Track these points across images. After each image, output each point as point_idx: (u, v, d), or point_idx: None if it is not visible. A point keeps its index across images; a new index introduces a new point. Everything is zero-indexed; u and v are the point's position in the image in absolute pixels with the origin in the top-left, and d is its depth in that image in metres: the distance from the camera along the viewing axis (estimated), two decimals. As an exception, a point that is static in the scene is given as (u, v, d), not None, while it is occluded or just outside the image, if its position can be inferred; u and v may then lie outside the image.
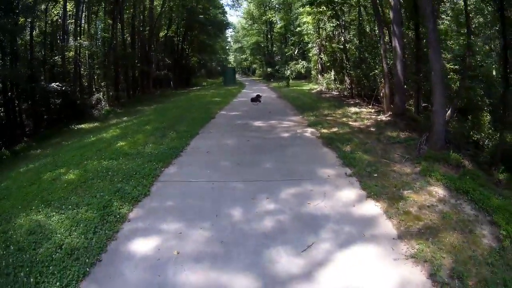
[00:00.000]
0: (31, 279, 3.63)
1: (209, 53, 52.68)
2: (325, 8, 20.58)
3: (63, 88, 20.21)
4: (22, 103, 20.08)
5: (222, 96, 23.67)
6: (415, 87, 13.90)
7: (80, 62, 23.87)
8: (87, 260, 3.94)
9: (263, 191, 5.77)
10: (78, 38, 23.25)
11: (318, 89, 26.00)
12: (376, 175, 6.36)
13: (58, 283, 3.58)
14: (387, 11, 14.43)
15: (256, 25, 55.03)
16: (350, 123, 11.80)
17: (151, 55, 33.32)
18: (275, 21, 46.87)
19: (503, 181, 7.57)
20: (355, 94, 20.02)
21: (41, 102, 20.71)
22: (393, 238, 4.32)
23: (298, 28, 30.81)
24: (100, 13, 27.72)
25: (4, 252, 4.14)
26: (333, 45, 22.65)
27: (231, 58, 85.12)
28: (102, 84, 26.48)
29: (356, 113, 13.99)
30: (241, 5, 53.54)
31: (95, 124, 18.58)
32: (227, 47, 73.31)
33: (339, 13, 20.73)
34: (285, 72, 37.61)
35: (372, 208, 5.12)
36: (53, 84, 19.68)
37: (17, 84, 18.21)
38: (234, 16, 73.61)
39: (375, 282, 3.57)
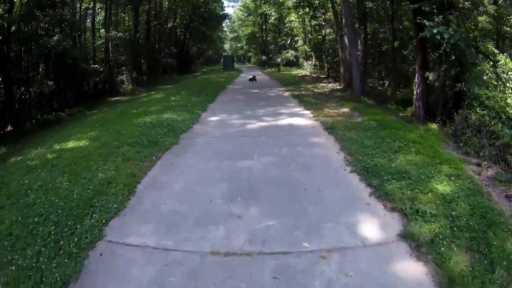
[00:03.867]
0: (168, 135, 11.14)
1: (208, 43, 60.44)
2: (307, 10, 28.58)
3: (100, 69, 27.84)
4: (67, 78, 26.06)
5: (225, 78, 31.98)
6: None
7: (109, 49, 31.47)
8: (193, 122, 11.47)
9: (259, 109, 13.59)
10: (109, 29, 31.00)
11: (303, 73, 34.10)
12: (315, 105, 14.17)
13: (183, 128, 10.91)
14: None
15: (251, 17, 62.45)
16: (315, 90, 19.91)
17: (161, 45, 40.81)
18: (269, 14, 51.81)
19: (390, 107, 14.93)
20: (330, 76, 27.87)
21: (82, 78, 27.73)
22: (310, 117, 12.04)
23: (287, 24, 38.41)
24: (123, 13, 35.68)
25: (150, 131, 11.22)
26: (314, 37, 30.70)
27: (227, 46, 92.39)
28: (123, 68, 34.00)
29: (323, 86, 22.10)
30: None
31: (128, 97, 25.67)
32: (223, 36, 79.59)
33: (317, 14, 28.61)
34: (277, 59, 45.50)
35: (306, 113, 12.81)
36: (94, 65, 27.33)
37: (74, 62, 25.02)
38: (231, 7, 79.74)
39: (299, 124, 11.08)
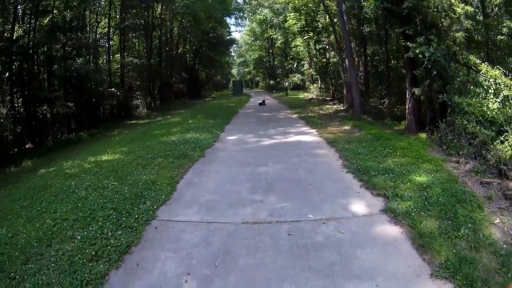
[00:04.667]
0: (194, 150, 12.83)
1: (216, 68, 62.91)
2: (311, 34, 30.64)
3: (117, 93, 29.89)
4: (86, 100, 28.13)
5: (236, 103, 33.90)
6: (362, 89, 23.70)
7: (124, 74, 33.53)
8: (214, 140, 13.19)
9: (270, 129, 15.37)
10: (123, 54, 33.25)
11: (309, 96, 36.01)
12: (320, 124, 15.93)
13: (206, 144, 12.64)
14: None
15: (258, 41, 64.88)
16: (320, 111, 21.72)
17: (172, 70, 42.95)
18: (276, 38, 54.24)
19: (387, 123, 16.50)
20: (335, 98, 29.66)
21: (99, 101, 29.91)
22: (315, 134, 13.80)
23: (293, 49, 40.41)
24: (134, 38, 37.96)
25: (177, 148, 12.79)
26: (319, 61, 32.70)
27: (234, 71, 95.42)
28: (137, 93, 36.04)
29: (328, 108, 23.90)
30: (245, 24, 63.43)
31: (145, 120, 27.51)
32: (231, 61, 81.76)
33: (321, 38, 30.63)
34: (285, 84, 47.51)
35: (311, 132, 14.55)
36: (112, 89, 29.46)
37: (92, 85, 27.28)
38: (238, 32, 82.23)
39: (306, 140, 12.85)
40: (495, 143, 8.75)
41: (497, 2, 22.91)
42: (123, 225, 5.82)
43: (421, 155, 8.81)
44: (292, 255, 4.85)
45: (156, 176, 8.21)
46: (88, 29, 30.82)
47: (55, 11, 25.07)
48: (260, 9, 48.77)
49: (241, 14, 54.11)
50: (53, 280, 4.39)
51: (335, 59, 28.73)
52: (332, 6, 22.40)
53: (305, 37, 32.08)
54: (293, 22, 31.83)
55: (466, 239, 4.99)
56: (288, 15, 33.40)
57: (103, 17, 32.26)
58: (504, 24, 23.16)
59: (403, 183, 7.03)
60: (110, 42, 33.71)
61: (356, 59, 24.16)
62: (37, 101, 24.05)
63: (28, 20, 23.69)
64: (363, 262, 4.58)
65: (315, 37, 30.96)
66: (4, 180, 13.77)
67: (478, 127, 9.28)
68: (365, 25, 21.90)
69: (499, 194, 6.77)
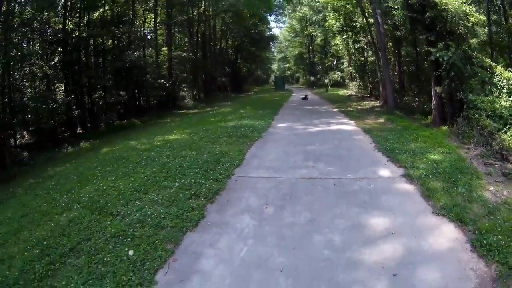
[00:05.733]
0: (253, 133, 15.15)
1: (257, 63, 65.47)
2: (350, 34, 32.61)
3: (166, 84, 32.48)
4: (136, 89, 31.50)
5: (279, 97, 36.63)
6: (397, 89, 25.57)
7: (172, 67, 36.11)
8: (267, 126, 15.44)
9: (314, 120, 17.56)
10: (170, 48, 35.99)
11: (348, 93, 37.91)
12: (358, 117, 18.00)
13: (261, 129, 14.88)
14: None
15: (298, 37, 66.50)
16: (358, 107, 23.78)
17: (216, 65, 45.56)
18: (315, 35, 54.30)
19: (416, 117, 18.43)
20: (372, 95, 31.48)
21: (149, 91, 32.89)
22: (353, 125, 15.86)
23: (333, 47, 42.21)
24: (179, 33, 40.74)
25: (237, 131, 14.94)
26: (357, 59, 34.65)
27: (274, 66, 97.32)
28: (184, 85, 38.83)
29: (365, 104, 25.91)
30: (285, 21, 65.44)
31: (194, 110, 30.04)
32: (271, 57, 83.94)
33: (359, 38, 32.52)
34: (325, 80, 49.43)
35: (350, 122, 16.58)
36: (161, 80, 32.07)
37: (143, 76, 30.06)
38: (278, 28, 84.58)
39: (345, 129, 14.90)
40: (500, 133, 10.47)
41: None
42: (210, 178, 8.07)
43: (439, 142, 10.74)
44: (337, 196, 7.10)
45: (227, 149, 10.52)
46: (136, 23, 33.89)
47: (106, 7, 27.93)
48: (299, 7, 50.32)
49: (281, 11, 55.86)
50: (159, 211, 6.40)
51: (372, 58, 30.32)
52: (369, 9, 24.17)
53: (344, 36, 34.03)
54: (333, 22, 33.68)
55: (462, 195, 6.87)
56: (327, 14, 35.11)
57: (149, 13, 35.11)
58: None
59: (420, 159, 9.00)
60: (157, 37, 36.46)
61: (392, 58, 26.13)
62: (91, 89, 26.85)
63: (78, 14, 26.18)
64: (385, 202, 6.73)
65: (353, 37, 32.78)
66: (67, 156, 16.69)
67: (488, 121, 11.01)
68: (398, 29, 23.66)
69: (499, 172, 8.42)
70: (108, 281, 4.52)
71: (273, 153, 10.57)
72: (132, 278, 4.57)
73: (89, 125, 26.07)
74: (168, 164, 9.18)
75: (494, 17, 26.15)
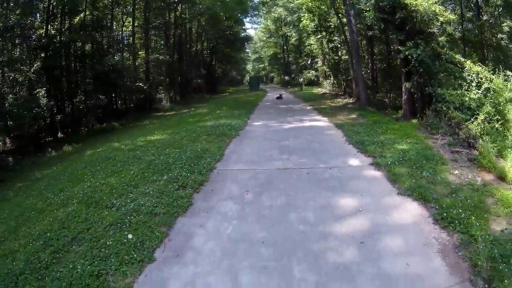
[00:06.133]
0: (230, 131, 15.97)
1: (232, 64, 66.17)
2: (324, 34, 33.65)
3: (144, 87, 32.82)
4: (115, 93, 31.85)
5: (254, 97, 37.37)
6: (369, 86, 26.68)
7: (149, 69, 36.51)
8: (244, 125, 16.24)
9: (288, 117, 18.48)
10: (148, 51, 36.49)
11: (323, 91, 38.92)
12: (331, 114, 18.95)
13: (238, 128, 15.76)
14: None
15: (273, 38, 67.39)
16: (332, 104, 24.79)
17: (191, 67, 46.13)
18: (290, 35, 55.70)
19: (388, 112, 19.41)
20: (346, 92, 32.54)
21: (127, 94, 33.26)
22: (326, 121, 16.82)
23: (307, 46, 43.29)
24: (155, 36, 41.22)
25: (215, 129, 15.93)
26: (331, 58, 35.71)
27: (249, 67, 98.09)
28: (160, 87, 39.23)
29: (339, 101, 26.91)
30: (260, 22, 65.92)
31: (171, 112, 30.48)
32: (245, 58, 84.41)
33: (333, 38, 33.58)
34: (299, 79, 50.43)
35: (323, 119, 17.52)
36: (138, 83, 32.49)
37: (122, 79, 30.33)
38: (252, 29, 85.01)
39: (318, 125, 15.85)
40: (467, 123, 11.15)
41: (498, 3, 25.58)
42: (195, 171, 8.80)
43: (407, 134, 11.66)
44: (309, 183, 7.94)
45: (207, 146, 11.27)
46: (115, 27, 34.14)
47: (86, 12, 28.18)
48: (274, 8, 51.04)
49: (256, 12, 56.58)
50: (151, 201, 7.03)
51: (345, 57, 31.31)
52: (343, 9, 25.02)
53: (318, 36, 35.13)
54: (307, 23, 34.80)
55: (426, 178, 7.66)
56: (302, 15, 36.00)
57: (127, 17, 35.47)
58: (505, 24, 25.75)
59: (388, 149, 9.87)
60: (135, 40, 36.86)
61: (366, 56, 27.30)
62: (72, 93, 27.21)
63: (59, 19, 26.39)
64: (354, 186, 7.57)
65: (327, 37, 33.81)
66: (51, 160, 17.07)
67: (456, 112, 11.79)
68: (371, 29, 24.67)
69: (465, 158, 9.12)
70: (112, 260, 5.17)
71: (250, 149, 11.38)
72: (134, 256, 5.24)
73: (70, 129, 26.31)
74: (154, 161, 9.86)
75: (470, 14, 27.50)
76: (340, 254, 5.17)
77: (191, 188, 7.78)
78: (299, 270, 4.85)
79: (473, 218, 5.63)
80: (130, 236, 5.76)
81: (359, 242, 5.39)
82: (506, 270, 4.41)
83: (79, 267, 5.07)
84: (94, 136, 22.94)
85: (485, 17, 26.16)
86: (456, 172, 8.00)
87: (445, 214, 5.86)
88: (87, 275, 4.87)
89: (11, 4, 22.30)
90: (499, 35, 25.64)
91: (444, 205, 6.20)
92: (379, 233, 5.61)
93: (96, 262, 5.15)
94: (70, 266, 5.13)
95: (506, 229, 5.40)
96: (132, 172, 9.03)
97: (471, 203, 6.19)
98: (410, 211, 6.33)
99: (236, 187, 7.96)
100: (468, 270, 4.62)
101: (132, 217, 6.40)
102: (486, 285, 4.35)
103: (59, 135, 25.45)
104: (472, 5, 26.42)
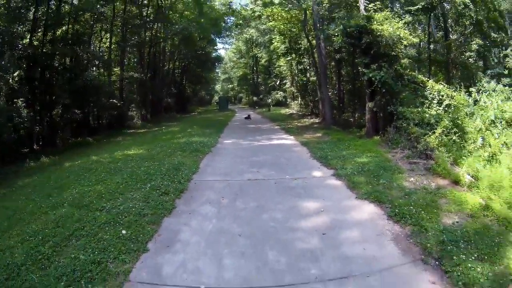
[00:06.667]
0: (203, 147, 16.97)
1: (202, 84, 67.39)
2: (294, 56, 35.30)
3: (118, 104, 33.48)
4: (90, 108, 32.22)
5: (224, 117, 38.91)
6: (336, 106, 28.28)
7: (123, 87, 37.06)
8: (215, 142, 17.42)
9: (257, 136, 19.82)
10: (123, 68, 37.26)
11: (290, 112, 40.62)
12: (297, 133, 20.30)
13: (210, 145, 16.89)
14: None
15: (243, 59, 69.33)
16: (298, 124, 26.31)
17: (163, 85, 46.97)
18: (260, 56, 57.56)
19: (352, 131, 20.80)
20: (313, 113, 34.06)
21: (101, 110, 33.47)
22: (293, 140, 18.06)
23: (277, 68, 44.96)
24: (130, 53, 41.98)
25: (189, 146, 16.80)
26: (300, 79, 37.34)
27: (218, 87, 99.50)
28: (132, 105, 39.92)
29: (305, 121, 28.51)
30: (231, 42, 66.97)
31: (142, 130, 31.17)
32: (215, 78, 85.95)
33: (302, 60, 35.25)
34: (267, 100, 51.92)
35: (290, 137, 18.86)
36: (112, 100, 33.07)
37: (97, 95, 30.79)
38: (223, 50, 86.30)
39: (285, 143, 17.19)
40: (425, 137, 11.64)
41: (467, 22, 27.55)
42: (175, 181, 9.72)
43: (368, 149, 12.93)
44: (278, 191, 9.09)
45: (183, 160, 12.27)
46: (92, 43, 34.98)
47: (69, 25, 28.76)
48: (246, 29, 52.44)
49: (229, 33, 57.98)
50: (138, 204, 7.70)
51: (314, 78, 32.93)
52: (313, 33, 26.52)
53: (288, 58, 36.78)
54: (278, 45, 36.52)
55: (382, 185, 8.51)
56: (274, 37, 37.64)
57: (105, 33, 36.20)
58: (473, 42, 27.67)
59: (349, 162, 11.01)
60: (111, 56, 37.45)
61: (334, 78, 29.03)
62: (51, 106, 27.38)
63: (42, 31, 26.56)
64: (317, 193, 8.72)
65: (297, 58, 35.57)
66: (29, 170, 17.28)
67: (415, 128, 12.67)
68: (339, 52, 26.28)
69: (422, 168, 9.90)
70: (111, 250, 5.96)
71: (223, 163, 12.49)
72: (131, 246, 6.13)
73: (46, 141, 26.30)
74: (136, 172, 10.71)
75: (439, 34, 29.47)
76: (306, 242, 6.22)
77: (173, 194, 8.72)
78: (272, 254, 5.90)
79: (424, 214, 6.73)
80: (124, 231, 6.63)
81: (322, 234, 6.48)
82: (455, 249, 5.42)
83: (80, 256, 5.65)
84: (70, 149, 23.30)
85: (454, 36, 28.18)
86: (412, 179, 9.03)
87: (397, 211, 6.96)
88: (89, 262, 5.47)
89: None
90: (468, 53, 27.65)
91: (397, 204, 7.26)
92: (339, 227, 6.73)
93: (96, 253, 5.78)
94: (72, 256, 5.69)
95: (457, 222, 6.43)
96: (116, 181, 9.73)
97: (423, 203, 7.23)
98: (367, 211, 7.46)
99: (213, 194, 9.00)
100: (419, 253, 5.58)
101: (124, 217, 7.24)
102: (437, 263, 5.28)
103: (35, 146, 25.37)
104: (442, 25, 28.45)
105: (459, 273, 4.93)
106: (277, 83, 52.32)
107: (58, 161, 18.44)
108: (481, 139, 10.69)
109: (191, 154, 13.65)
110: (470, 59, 27.45)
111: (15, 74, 23.72)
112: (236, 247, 6.18)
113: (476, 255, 5.30)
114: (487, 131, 11.02)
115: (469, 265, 5.05)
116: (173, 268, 5.57)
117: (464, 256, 5.27)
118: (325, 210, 7.63)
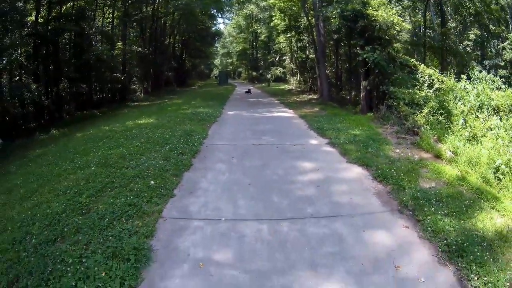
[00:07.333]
0: (209, 117, 18.35)
1: (202, 58, 67.89)
2: (293, 33, 36.27)
3: (121, 78, 34.64)
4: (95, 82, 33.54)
5: (224, 91, 40.00)
6: (334, 84, 29.52)
7: (126, 61, 38.07)
8: (220, 113, 18.75)
9: (258, 109, 21.16)
10: (125, 43, 38.19)
11: (290, 87, 41.83)
12: (296, 107, 21.64)
13: (215, 115, 18.14)
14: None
15: (243, 34, 69.45)
16: (297, 99, 27.67)
17: (164, 60, 47.74)
18: (260, 32, 58.32)
19: (347, 107, 22.23)
20: (312, 89, 35.28)
21: (105, 84, 34.87)
22: (292, 113, 19.44)
23: (276, 44, 45.93)
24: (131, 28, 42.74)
25: (196, 116, 18.13)
26: (299, 56, 38.41)
27: (217, 61, 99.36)
28: (134, 79, 41.04)
29: (304, 97, 29.83)
30: (231, 17, 67.20)
31: (145, 103, 32.13)
32: (214, 52, 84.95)
33: (302, 37, 36.27)
34: (267, 75, 52.83)
35: (289, 111, 20.24)
36: (116, 74, 34.24)
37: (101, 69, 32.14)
38: (222, 24, 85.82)
39: (284, 115, 18.64)
40: (414, 116, 13.03)
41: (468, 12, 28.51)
42: (189, 143, 11.06)
43: (361, 123, 14.27)
44: (279, 153, 10.51)
45: (193, 128, 13.56)
46: (96, 18, 35.55)
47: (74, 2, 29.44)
48: (247, 4, 52.69)
49: (229, 8, 58.29)
50: (160, 162, 8.70)
51: (312, 56, 33.94)
52: (312, 13, 27.65)
53: (288, 35, 37.79)
54: (278, 22, 37.25)
55: (370, 153, 9.69)
56: (274, 14, 38.19)
57: (108, 8, 36.84)
58: (471, 32, 28.78)
59: (343, 133, 12.27)
60: (113, 31, 38.20)
61: (332, 56, 30.15)
62: (58, 80, 28.47)
63: (48, 8, 27.51)
64: (313, 156, 10.13)
65: (296, 36, 36.61)
66: (41, 142, 18.32)
67: (405, 107, 13.71)
68: (337, 33, 27.23)
69: (408, 143, 11.12)
70: (144, 195, 6.98)
71: (229, 131, 14.00)
72: (161, 191, 7.35)
73: (53, 115, 27.25)
74: (152, 137, 11.70)
75: (438, 21, 30.44)
76: (303, 191, 7.49)
77: (189, 154, 9.97)
78: (276, 198, 7.15)
79: (404, 177, 7.80)
80: (152, 182, 7.82)
81: (316, 186, 7.76)
82: (426, 203, 6.49)
83: (117, 201, 6.48)
84: (77, 122, 24.18)
85: (453, 24, 29.15)
86: (398, 150, 10.18)
87: (381, 173, 8.12)
88: (126, 205, 6.36)
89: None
90: (465, 42, 28.71)
91: (382, 168, 8.37)
92: (331, 182, 8.06)
93: (131, 197, 6.67)
94: (109, 202, 6.48)
95: (433, 186, 7.44)
96: (136, 144, 10.47)
97: (405, 169, 8.27)
98: (355, 171, 8.73)
99: (223, 155, 10.38)
100: (397, 205, 6.73)
101: (149, 172, 8.33)
102: (411, 213, 6.38)
103: (42, 121, 26.36)
104: (440, 12, 29.39)
105: (429, 222, 5.93)
106: (277, 59, 52.96)
107: (68, 132, 19.31)
108: (463, 120, 12.12)
109: (199, 123, 14.91)
110: (467, 48, 28.44)
111: (28, 52, 24.53)
112: (247, 193, 7.46)
113: (446, 211, 6.25)
114: (472, 115, 12.35)
115: (439, 217, 6.01)
116: (197, 207, 6.87)
117: (434, 210, 6.30)
118: (319, 169, 8.97)
